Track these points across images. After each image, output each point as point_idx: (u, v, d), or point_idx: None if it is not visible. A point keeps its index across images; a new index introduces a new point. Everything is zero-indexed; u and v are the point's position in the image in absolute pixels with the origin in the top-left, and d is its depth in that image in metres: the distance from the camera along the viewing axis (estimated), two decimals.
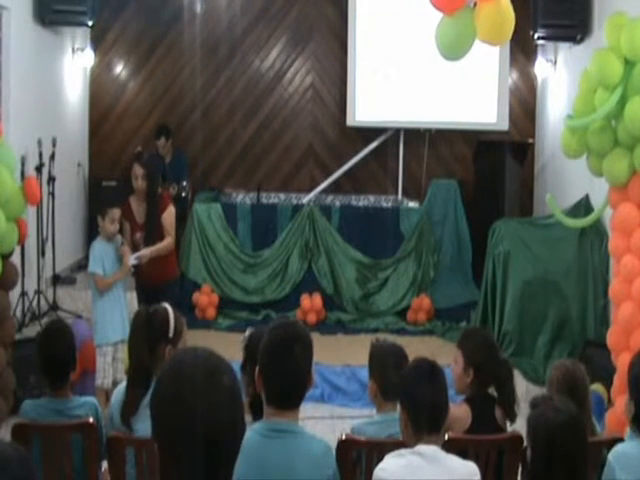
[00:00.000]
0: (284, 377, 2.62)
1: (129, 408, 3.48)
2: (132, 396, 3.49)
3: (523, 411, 3.66)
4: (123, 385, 3.73)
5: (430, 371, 2.87)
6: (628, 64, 4.51)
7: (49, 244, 7.76)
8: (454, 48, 4.17)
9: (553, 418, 2.69)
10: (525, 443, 2.97)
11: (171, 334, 3.64)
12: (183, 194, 8.66)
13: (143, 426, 3.45)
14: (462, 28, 4.01)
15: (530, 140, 9.38)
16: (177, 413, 1.63)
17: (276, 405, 2.63)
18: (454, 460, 2.75)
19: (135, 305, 6.17)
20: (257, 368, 2.66)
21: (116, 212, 5.67)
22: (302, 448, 2.61)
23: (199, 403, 1.61)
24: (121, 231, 5.87)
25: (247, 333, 3.51)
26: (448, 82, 8.89)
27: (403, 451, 2.76)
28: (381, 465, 2.73)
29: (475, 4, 3.93)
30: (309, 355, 2.69)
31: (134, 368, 3.61)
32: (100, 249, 5.68)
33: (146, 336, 3.62)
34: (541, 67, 9.26)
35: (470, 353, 3.61)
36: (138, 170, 5.95)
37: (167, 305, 3.79)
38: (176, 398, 1.64)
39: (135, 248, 5.88)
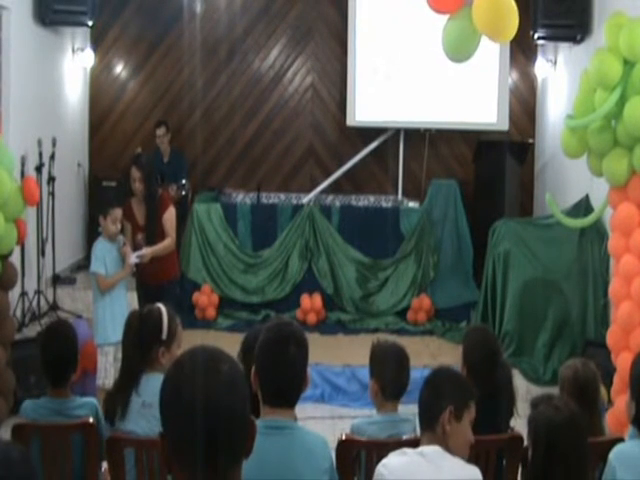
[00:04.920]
0: (279, 376, 2.64)
1: (114, 409, 3.50)
2: (120, 398, 3.50)
3: (523, 411, 3.66)
4: None
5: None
6: (627, 64, 4.51)
7: (49, 244, 7.76)
8: (458, 49, 4.17)
9: (553, 417, 2.69)
10: (525, 443, 2.97)
11: (164, 336, 3.62)
12: (183, 192, 8.67)
13: (134, 428, 3.45)
14: (464, 28, 4.01)
15: (530, 140, 9.38)
16: (176, 404, 1.64)
17: (271, 404, 2.65)
18: (455, 462, 2.76)
19: (136, 305, 6.17)
20: (253, 367, 2.67)
21: (118, 212, 5.67)
22: (298, 442, 2.63)
23: (197, 391, 1.62)
24: (123, 232, 5.88)
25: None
26: (448, 82, 8.89)
27: (407, 450, 2.79)
28: (384, 461, 2.77)
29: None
30: (304, 355, 2.70)
31: (123, 369, 3.63)
32: (102, 249, 5.68)
33: (139, 337, 3.62)
34: (541, 67, 9.26)
35: (466, 351, 3.63)
36: (135, 173, 5.96)
37: (161, 306, 3.76)
38: (175, 389, 1.65)
39: (137, 249, 5.88)
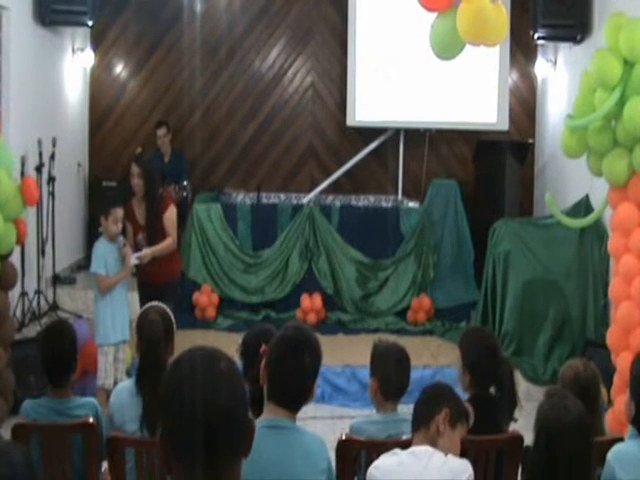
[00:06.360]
0: (289, 377, 2.65)
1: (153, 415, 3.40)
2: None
3: (524, 410, 3.67)
4: (122, 385, 3.72)
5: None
6: (627, 64, 4.51)
7: (49, 244, 7.76)
8: (445, 47, 4.18)
9: (560, 416, 2.68)
10: (526, 442, 2.97)
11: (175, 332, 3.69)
12: (184, 193, 8.68)
13: None
14: (451, 27, 4.02)
15: (530, 140, 9.38)
16: (175, 403, 1.63)
17: (276, 402, 2.66)
18: (445, 459, 2.78)
19: (137, 305, 6.16)
20: (264, 361, 2.68)
21: (119, 212, 5.66)
22: (296, 442, 2.63)
23: (196, 390, 1.62)
24: (124, 233, 5.87)
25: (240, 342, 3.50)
26: (448, 82, 8.89)
27: (397, 450, 2.81)
28: (375, 463, 2.80)
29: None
30: (317, 367, 2.71)
31: (155, 369, 3.47)
32: (103, 249, 5.68)
33: (164, 335, 3.62)
34: (541, 67, 9.26)
35: (466, 354, 3.62)
36: (134, 169, 5.98)
37: (161, 303, 3.81)
38: (175, 388, 1.65)
39: (137, 249, 5.88)
